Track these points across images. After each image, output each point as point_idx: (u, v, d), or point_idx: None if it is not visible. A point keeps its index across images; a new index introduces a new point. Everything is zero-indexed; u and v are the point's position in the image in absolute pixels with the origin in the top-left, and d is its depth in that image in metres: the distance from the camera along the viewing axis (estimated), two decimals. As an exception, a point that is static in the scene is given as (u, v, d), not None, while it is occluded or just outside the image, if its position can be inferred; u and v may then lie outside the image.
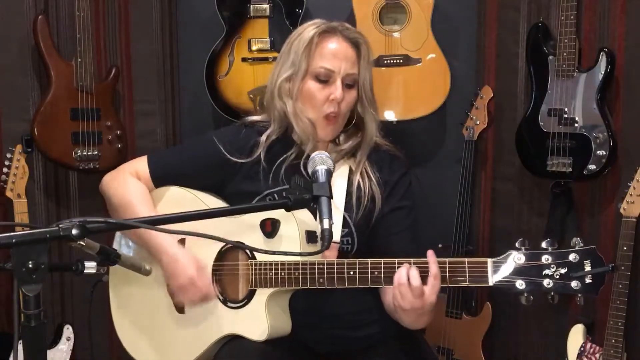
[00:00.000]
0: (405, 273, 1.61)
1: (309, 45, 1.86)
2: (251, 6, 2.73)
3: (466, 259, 1.61)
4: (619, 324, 2.30)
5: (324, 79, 1.86)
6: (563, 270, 1.53)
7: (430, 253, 1.63)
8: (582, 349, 2.40)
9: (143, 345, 1.92)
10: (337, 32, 1.89)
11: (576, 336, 2.44)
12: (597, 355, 2.37)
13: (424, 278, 1.61)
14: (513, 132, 2.60)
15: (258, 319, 1.74)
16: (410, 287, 1.60)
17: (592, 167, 2.42)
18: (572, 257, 1.53)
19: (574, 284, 1.53)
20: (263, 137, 1.92)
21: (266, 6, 2.73)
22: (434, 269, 1.61)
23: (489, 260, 1.59)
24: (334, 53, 1.86)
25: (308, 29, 1.89)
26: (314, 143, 1.90)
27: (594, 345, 2.39)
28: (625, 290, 2.29)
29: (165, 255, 1.78)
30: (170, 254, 1.78)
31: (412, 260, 1.64)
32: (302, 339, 1.86)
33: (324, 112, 1.86)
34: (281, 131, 1.93)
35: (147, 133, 2.91)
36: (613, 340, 2.31)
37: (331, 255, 1.81)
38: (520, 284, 1.55)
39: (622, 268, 2.28)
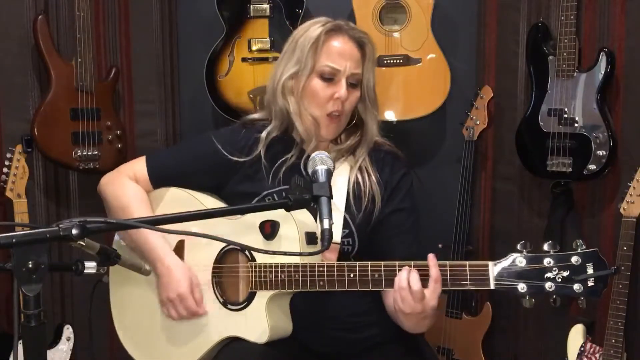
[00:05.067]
0: (406, 277, 1.61)
1: (315, 43, 1.84)
2: (251, 6, 2.73)
3: (467, 262, 1.60)
4: (619, 324, 2.30)
5: (329, 77, 1.85)
6: (565, 274, 1.51)
7: (431, 257, 1.62)
8: (582, 349, 2.40)
9: (143, 346, 1.92)
10: (343, 30, 1.88)
11: (576, 336, 2.44)
12: (597, 355, 2.37)
13: (424, 281, 1.60)
14: (513, 132, 2.60)
15: (258, 321, 1.74)
16: (411, 290, 1.59)
17: (592, 167, 2.42)
18: (574, 259, 1.51)
19: (577, 287, 1.51)
20: (263, 134, 1.91)
21: (266, 6, 2.73)
22: (434, 272, 1.59)
23: (490, 264, 1.57)
24: (340, 52, 1.85)
25: (314, 27, 1.87)
26: (316, 142, 1.89)
27: (594, 345, 2.39)
28: (625, 290, 2.29)
29: (159, 264, 1.79)
30: (165, 264, 1.78)
31: (412, 263, 1.63)
32: (303, 341, 1.85)
33: (327, 111, 1.85)
34: (282, 129, 1.92)
35: (147, 133, 2.91)
36: (613, 340, 2.31)
37: (331, 256, 1.80)
38: (522, 287, 1.54)
39: (622, 268, 2.28)
